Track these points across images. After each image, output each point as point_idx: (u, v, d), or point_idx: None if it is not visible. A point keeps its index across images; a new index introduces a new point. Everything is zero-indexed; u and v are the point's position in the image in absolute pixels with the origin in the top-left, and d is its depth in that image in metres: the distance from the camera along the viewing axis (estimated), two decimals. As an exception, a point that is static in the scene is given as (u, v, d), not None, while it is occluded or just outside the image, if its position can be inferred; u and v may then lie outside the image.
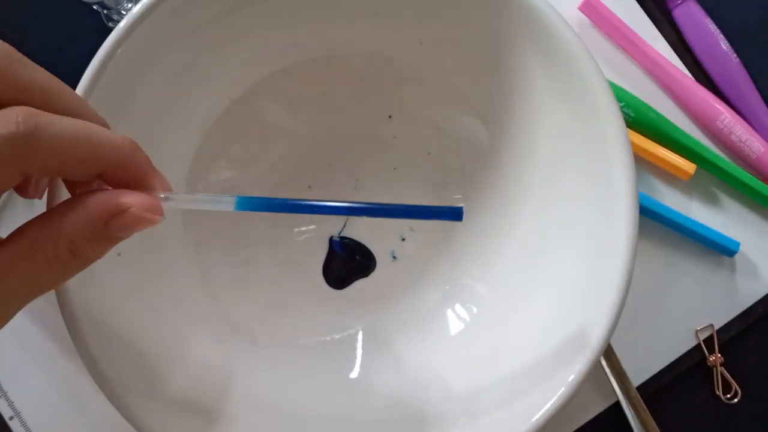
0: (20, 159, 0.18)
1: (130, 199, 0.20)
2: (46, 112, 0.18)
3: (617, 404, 0.35)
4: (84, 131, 0.19)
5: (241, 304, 0.33)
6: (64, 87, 0.20)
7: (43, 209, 0.24)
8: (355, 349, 0.33)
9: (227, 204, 0.21)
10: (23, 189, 0.23)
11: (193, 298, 0.32)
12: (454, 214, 0.21)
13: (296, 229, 0.35)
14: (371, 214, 0.21)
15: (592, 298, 0.27)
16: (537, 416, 0.26)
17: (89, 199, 0.20)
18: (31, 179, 0.23)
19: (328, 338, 0.34)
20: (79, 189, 0.21)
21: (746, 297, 0.37)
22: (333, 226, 0.35)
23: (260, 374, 0.31)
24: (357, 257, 0.35)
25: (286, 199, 0.21)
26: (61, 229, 0.19)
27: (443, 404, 0.30)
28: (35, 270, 0.19)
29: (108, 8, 0.36)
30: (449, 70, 0.33)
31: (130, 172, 0.20)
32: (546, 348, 0.29)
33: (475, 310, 0.33)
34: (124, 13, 0.36)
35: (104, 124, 0.22)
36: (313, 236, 0.35)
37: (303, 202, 0.21)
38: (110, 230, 0.20)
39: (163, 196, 0.21)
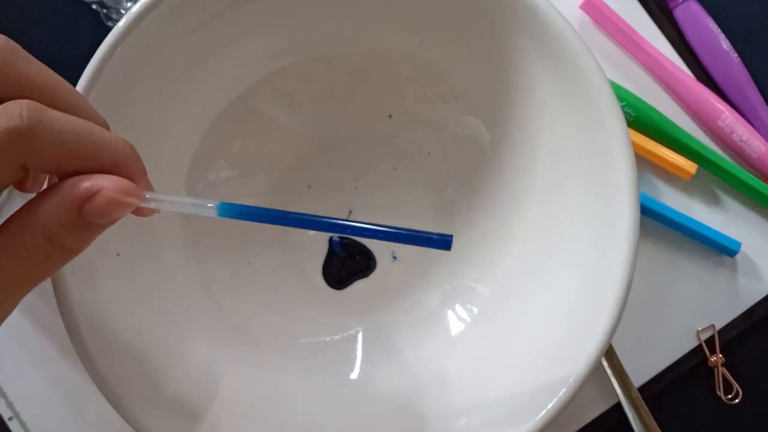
0: (21, 153, 0.18)
1: (103, 181, 0.19)
2: (49, 108, 0.18)
3: (618, 405, 0.35)
4: (86, 131, 0.19)
5: (241, 305, 0.33)
6: (65, 84, 0.20)
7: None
8: (355, 349, 0.33)
9: (209, 210, 0.20)
10: (21, 183, 0.23)
11: (193, 299, 0.32)
12: (443, 243, 0.20)
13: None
14: (357, 234, 0.20)
15: (593, 298, 0.27)
16: (538, 417, 0.26)
17: (63, 185, 0.19)
18: (30, 173, 0.23)
19: (327, 339, 0.34)
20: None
21: (748, 297, 0.37)
22: (333, 226, 0.35)
23: (260, 375, 0.31)
24: (357, 257, 0.35)
25: (271, 210, 0.20)
26: (37, 216, 0.19)
27: (444, 404, 0.30)
28: (16, 262, 0.19)
29: (107, 7, 0.36)
30: (450, 70, 0.33)
31: (124, 176, 0.20)
32: (547, 348, 0.28)
33: (475, 310, 0.33)
34: (123, 12, 0.36)
35: (104, 124, 0.22)
36: (312, 234, 0.35)
37: (287, 215, 0.20)
38: (86, 216, 0.19)
39: (145, 195, 0.20)
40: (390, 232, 0.20)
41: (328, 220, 0.20)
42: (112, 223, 0.20)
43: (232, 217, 0.21)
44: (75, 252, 0.20)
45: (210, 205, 0.21)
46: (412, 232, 0.20)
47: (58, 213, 0.19)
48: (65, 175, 0.20)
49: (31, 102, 0.18)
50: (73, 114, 0.19)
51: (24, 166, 0.18)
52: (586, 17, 0.37)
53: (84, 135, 0.19)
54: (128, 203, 0.20)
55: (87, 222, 0.19)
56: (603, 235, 0.28)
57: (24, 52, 0.19)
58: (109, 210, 0.19)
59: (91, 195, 0.19)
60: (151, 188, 0.21)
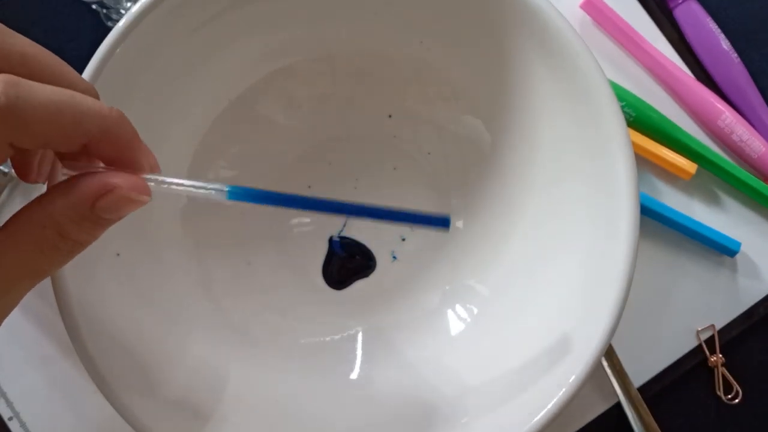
0: (4, 130, 0.17)
1: (116, 179, 0.19)
2: (27, 81, 0.18)
3: (618, 405, 0.35)
4: (68, 99, 0.18)
5: (241, 305, 0.33)
6: (45, 53, 0.20)
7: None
8: (355, 349, 0.33)
9: (219, 193, 0.21)
10: (26, 173, 0.22)
11: (193, 298, 0.32)
12: (442, 222, 0.22)
13: (294, 220, 0.35)
14: (362, 215, 0.21)
15: (594, 298, 0.27)
16: (538, 417, 0.26)
17: (76, 181, 0.19)
18: (33, 163, 0.23)
19: (327, 339, 0.34)
20: (66, 161, 0.21)
21: (747, 297, 0.37)
22: (332, 226, 0.35)
23: (259, 375, 0.31)
24: (357, 257, 0.35)
25: (279, 193, 0.21)
26: (49, 211, 0.19)
27: (444, 404, 0.30)
28: (25, 255, 0.19)
29: (107, 7, 0.36)
30: (450, 70, 0.33)
31: (116, 144, 0.20)
32: (547, 348, 0.28)
33: (475, 310, 0.33)
34: (123, 12, 0.36)
35: (90, 91, 0.21)
36: (312, 234, 0.35)
37: (296, 197, 0.21)
38: (97, 211, 0.19)
39: (151, 177, 0.20)
40: (390, 212, 0.21)
41: (334, 201, 0.21)
42: (121, 217, 0.20)
43: (241, 199, 0.21)
44: (84, 245, 0.20)
45: (220, 187, 0.21)
46: (412, 212, 0.22)
47: (71, 209, 0.19)
48: (55, 148, 0.19)
49: (8, 76, 0.18)
50: (57, 84, 0.19)
51: (11, 144, 0.18)
52: (587, 17, 0.37)
53: (66, 105, 0.18)
54: (141, 201, 0.20)
55: (97, 217, 0.20)
56: (603, 235, 0.28)
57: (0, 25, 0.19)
58: (122, 206, 0.20)
59: (104, 193, 0.19)
60: (149, 154, 0.21)
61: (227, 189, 0.21)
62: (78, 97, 0.19)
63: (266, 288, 0.34)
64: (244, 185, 0.33)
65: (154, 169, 0.21)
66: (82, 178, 0.20)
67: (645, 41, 0.37)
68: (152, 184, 0.20)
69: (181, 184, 0.21)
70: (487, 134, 0.33)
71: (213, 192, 0.21)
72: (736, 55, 0.37)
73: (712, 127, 0.37)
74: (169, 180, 0.21)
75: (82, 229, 0.20)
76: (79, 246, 0.20)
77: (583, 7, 0.37)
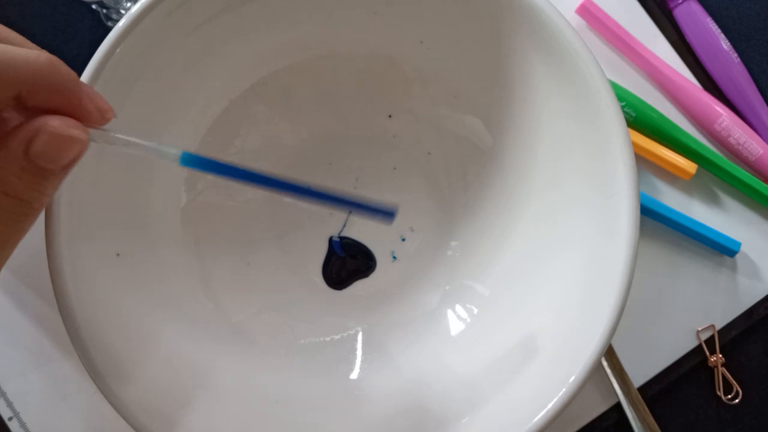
0: None
1: (46, 119, 0.18)
2: None
3: (618, 405, 0.35)
4: None
5: (241, 304, 0.33)
6: None
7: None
8: (355, 349, 0.33)
9: (172, 156, 0.20)
10: None
11: (193, 299, 0.32)
12: (387, 214, 0.21)
13: (294, 220, 0.35)
14: (306, 195, 0.21)
15: (593, 298, 0.27)
16: (538, 417, 0.26)
17: (7, 132, 0.18)
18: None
19: (327, 339, 0.34)
20: None
21: (747, 297, 0.37)
22: (333, 226, 0.35)
23: (260, 375, 0.31)
24: (357, 257, 0.35)
25: (229, 164, 0.20)
26: None
27: (444, 405, 0.30)
28: None
29: (107, 7, 0.36)
30: (450, 70, 0.33)
31: (52, 90, 0.19)
32: (547, 348, 0.28)
33: (475, 310, 0.33)
34: (123, 12, 0.36)
35: (24, 44, 0.20)
36: (312, 234, 0.35)
37: (246, 170, 0.21)
38: (36, 160, 0.18)
39: (97, 130, 0.19)
40: (336, 198, 0.21)
41: (284, 181, 0.21)
42: (66, 168, 0.19)
43: (193, 166, 0.20)
44: (32, 205, 0.19)
45: (172, 151, 0.20)
46: (359, 200, 0.21)
47: (7, 161, 0.18)
48: None
49: None
50: None
51: None
52: (582, 22, 0.37)
53: None
54: (75, 139, 0.19)
55: (38, 167, 0.18)
56: (603, 235, 0.28)
57: None
58: (56, 148, 0.18)
59: (35, 134, 0.18)
60: (95, 96, 0.20)
61: (180, 154, 0.20)
62: (1, 46, 0.18)
63: (266, 288, 0.34)
64: (243, 187, 0.34)
65: (105, 113, 0.20)
66: (15, 128, 0.19)
67: (641, 45, 0.37)
68: (96, 136, 0.19)
69: (132, 142, 0.20)
70: (486, 134, 0.33)
71: (167, 154, 0.20)
72: (736, 55, 0.37)
73: (709, 129, 0.37)
74: (117, 136, 0.20)
75: (25, 184, 0.18)
76: (28, 206, 0.19)
77: (579, 12, 0.37)
